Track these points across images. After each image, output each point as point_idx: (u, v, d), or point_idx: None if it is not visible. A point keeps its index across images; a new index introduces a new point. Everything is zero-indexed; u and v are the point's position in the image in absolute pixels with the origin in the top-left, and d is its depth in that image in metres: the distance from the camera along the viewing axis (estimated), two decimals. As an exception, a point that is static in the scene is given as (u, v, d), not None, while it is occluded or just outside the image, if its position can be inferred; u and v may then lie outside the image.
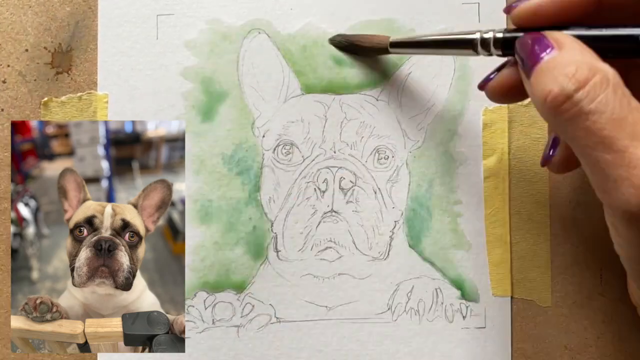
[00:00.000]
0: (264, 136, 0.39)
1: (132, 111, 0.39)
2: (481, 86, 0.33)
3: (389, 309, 0.38)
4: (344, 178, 0.38)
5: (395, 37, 0.36)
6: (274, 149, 0.39)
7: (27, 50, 0.39)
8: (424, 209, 0.39)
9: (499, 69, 0.33)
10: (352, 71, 0.39)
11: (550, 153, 0.33)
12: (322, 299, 0.38)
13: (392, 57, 0.39)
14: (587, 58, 0.27)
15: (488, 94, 0.33)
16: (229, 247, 0.38)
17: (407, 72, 0.39)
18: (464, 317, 0.38)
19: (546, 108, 0.27)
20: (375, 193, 0.38)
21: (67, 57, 0.39)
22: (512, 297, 0.38)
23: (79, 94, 0.39)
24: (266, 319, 0.38)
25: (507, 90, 0.32)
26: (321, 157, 0.38)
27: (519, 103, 0.39)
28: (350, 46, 0.38)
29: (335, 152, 0.38)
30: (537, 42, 0.28)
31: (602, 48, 0.28)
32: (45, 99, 0.39)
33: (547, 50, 0.27)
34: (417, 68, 0.39)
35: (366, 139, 0.39)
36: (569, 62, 0.26)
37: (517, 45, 0.30)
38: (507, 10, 0.31)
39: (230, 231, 0.38)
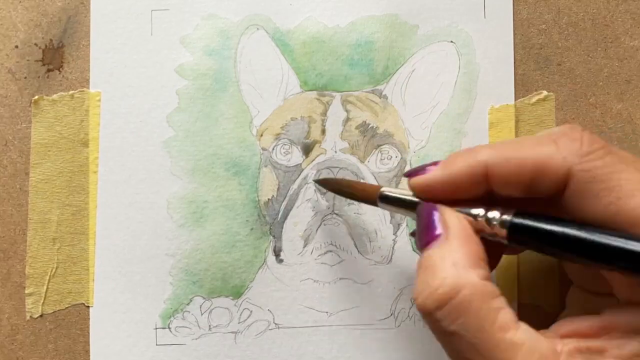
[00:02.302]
0: (262, 135, 0.38)
1: (126, 109, 0.38)
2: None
3: (391, 314, 0.38)
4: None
5: (386, 189, 0.32)
6: (273, 149, 0.38)
7: (16, 46, 0.39)
8: None
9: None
10: (354, 68, 0.38)
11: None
12: (323, 304, 0.38)
13: (396, 53, 0.38)
14: (459, 264, 0.26)
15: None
16: (226, 250, 0.38)
17: (411, 69, 0.38)
18: None
19: (417, 309, 0.27)
20: (378, 194, 0.37)
21: (58, 53, 0.38)
22: (518, 302, 0.38)
23: (70, 92, 0.38)
24: (264, 324, 0.38)
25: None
26: (321, 157, 0.38)
27: (527, 101, 0.38)
28: (337, 191, 0.36)
29: (336, 152, 0.38)
30: (428, 220, 0.28)
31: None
32: (36, 97, 0.38)
33: (435, 235, 0.28)
34: (422, 65, 0.38)
35: (368, 139, 0.38)
36: (441, 270, 0.26)
37: (417, 215, 0.30)
38: (407, 175, 0.31)
39: (226, 234, 0.38)
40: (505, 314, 0.26)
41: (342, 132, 0.38)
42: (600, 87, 0.38)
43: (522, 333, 0.26)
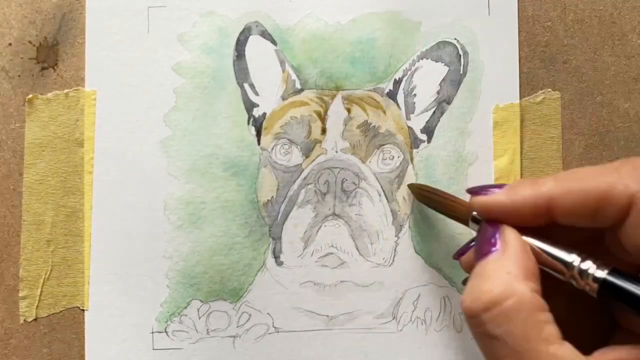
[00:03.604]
0: (261, 135, 0.38)
1: (122, 108, 0.38)
2: (455, 257, 0.34)
3: (394, 318, 0.38)
4: (346, 179, 0.37)
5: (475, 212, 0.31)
6: (272, 149, 0.38)
7: (10, 44, 0.38)
8: (431, 212, 0.37)
9: (472, 242, 0.33)
10: (355, 66, 0.38)
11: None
12: (323, 307, 0.38)
13: (398, 51, 0.38)
14: (512, 274, 0.27)
15: (461, 266, 0.33)
16: (224, 252, 0.37)
17: (415, 67, 0.38)
18: None
19: (463, 312, 0.28)
20: (380, 195, 0.38)
21: (53, 51, 0.38)
22: None
23: (65, 91, 0.38)
24: (264, 329, 0.37)
25: None
26: (322, 157, 0.38)
27: (532, 100, 0.38)
28: (430, 203, 0.36)
29: (337, 152, 0.38)
30: (489, 235, 0.29)
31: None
32: (30, 95, 0.38)
33: (492, 250, 0.29)
34: (426, 63, 0.38)
35: (370, 138, 0.38)
36: (492, 275, 0.27)
37: (478, 229, 0.31)
38: (469, 192, 0.31)
39: (225, 236, 0.37)
40: (552, 329, 0.26)
41: (343, 131, 0.38)
42: (607, 86, 0.38)
43: (566, 350, 0.26)
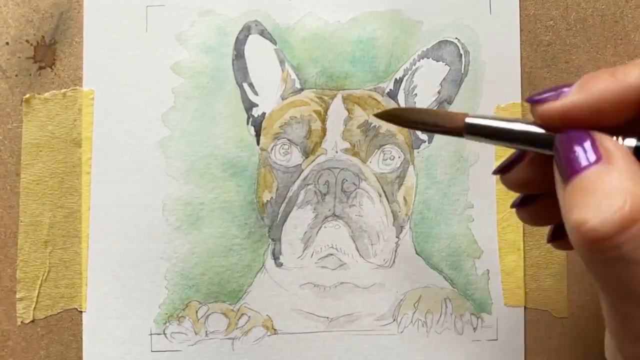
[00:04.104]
0: (260, 135, 0.38)
1: (120, 108, 0.38)
2: (497, 172, 0.30)
3: (394, 320, 0.37)
4: (347, 180, 0.37)
5: (473, 116, 0.26)
6: (272, 149, 0.38)
7: (7, 43, 0.38)
8: (432, 213, 0.38)
9: (518, 159, 0.28)
10: (355, 65, 0.38)
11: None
12: (323, 309, 0.37)
13: (399, 50, 0.38)
14: (638, 186, 0.22)
15: (506, 185, 0.29)
16: (223, 254, 0.37)
17: (415, 67, 0.38)
18: (474, 329, 0.38)
19: (578, 239, 0.23)
20: (380, 196, 0.37)
21: (50, 50, 0.38)
22: (525, 308, 0.38)
23: (63, 91, 0.38)
24: (263, 331, 0.37)
25: (531, 186, 0.28)
26: (322, 158, 0.37)
27: None
28: (409, 123, 0.30)
29: (337, 152, 0.37)
30: (582, 146, 0.24)
31: None
32: (27, 95, 0.38)
33: (592, 161, 0.23)
34: (426, 62, 0.38)
35: (370, 138, 0.38)
36: (617, 188, 0.22)
37: (557, 143, 0.25)
38: (529, 102, 0.26)
39: (223, 237, 0.37)
40: None
41: (343, 131, 0.37)
42: None
43: None
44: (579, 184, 0.23)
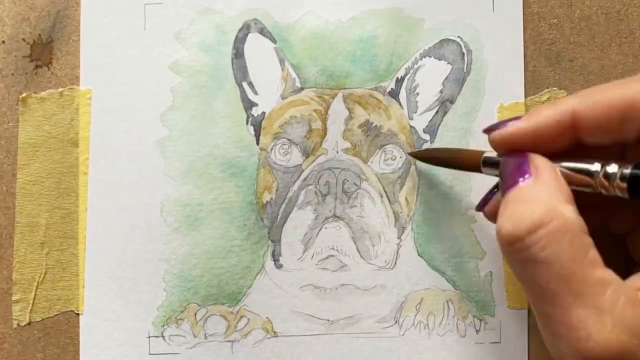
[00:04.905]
0: (260, 135, 0.38)
1: (118, 108, 0.38)
2: (478, 208, 0.34)
3: (396, 322, 0.37)
4: (348, 180, 0.37)
5: (489, 154, 0.32)
6: (271, 149, 0.37)
7: (3, 42, 0.38)
8: (434, 214, 0.37)
9: (494, 190, 0.33)
10: (356, 64, 0.38)
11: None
12: (324, 311, 0.37)
13: (401, 49, 0.38)
14: (553, 197, 0.26)
15: (486, 217, 0.33)
16: (222, 255, 0.37)
17: (417, 66, 0.38)
18: (477, 332, 0.37)
19: (498, 241, 0.27)
20: (382, 197, 0.37)
21: (47, 49, 0.38)
22: (529, 310, 0.37)
23: (60, 90, 0.38)
24: (262, 333, 0.37)
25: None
26: (322, 158, 0.37)
27: (537, 99, 0.38)
28: (435, 161, 0.36)
29: (337, 152, 0.37)
30: (518, 164, 0.29)
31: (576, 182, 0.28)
32: (24, 94, 0.38)
33: (525, 177, 0.28)
34: (428, 61, 0.38)
35: (371, 138, 0.37)
36: (535, 199, 0.27)
37: (501, 164, 0.30)
38: (485, 132, 0.31)
39: (223, 238, 0.37)
40: (595, 253, 0.26)
41: (344, 131, 0.37)
42: None
43: (610, 275, 0.26)
44: (510, 196, 0.28)
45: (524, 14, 0.38)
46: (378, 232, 0.37)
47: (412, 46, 0.38)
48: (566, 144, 0.29)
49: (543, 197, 0.26)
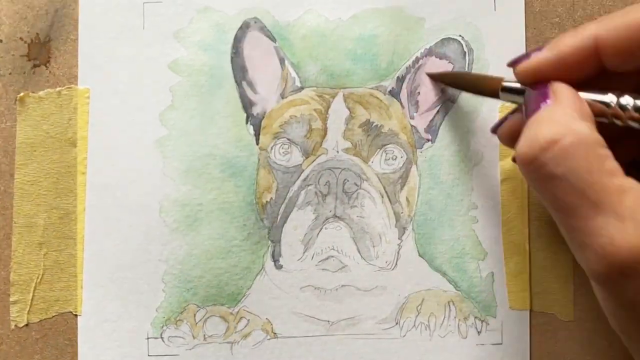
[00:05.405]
0: (259, 134, 0.38)
1: (116, 107, 0.37)
2: (493, 130, 0.35)
3: (396, 323, 0.37)
4: (348, 180, 0.37)
5: (507, 82, 0.32)
6: (271, 148, 0.37)
7: (0, 41, 0.38)
8: (435, 214, 0.37)
9: (510, 114, 0.34)
10: (357, 63, 0.38)
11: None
12: (324, 312, 0.37)
13: (402, 48, 0.38)
14: (568, 116, 0.27)
15: (500, 139, 0.34)
16: (221, 256, 0.37)
17: (418, 65, 0.38)
18: (478, 333, 0.37)
19: (518, 163, 0.28)
20: (382, 197, 0.37)
21: (45, 48, 0.38)
22: (531, 311, 0.37)
23: (58, 89, 0.38)
24: (262, 334, 0.37)
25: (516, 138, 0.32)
26: (323, 158, 0.37)
27: None
28: (454, 84, 0.37)
29: (338, 152, 0.37)
30: (540, 92, 0.29)
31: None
32: (21, 94, 0.37)
33: (546, 101, 0.28)
34: (429, 60, 0.38)
35: (372, 138, 0.37)
36: (551, 120, 0.27)
37: (526, 95, 0.31)
38: (510, 65, 0.31)
39: (222, 239, 0.37)
40: (613, 163, 0.26)
41: (344, 131, 0.37)
42: None
43: (630, 182, 0.26)
44: (531, 120, 0.28)
45: (525, 13, 0.38)
46: (379, 233, 0.37)
47: (413, 45, 0.38)
48: (591, 71, 0.29)
49: (559, 117, 0.27)
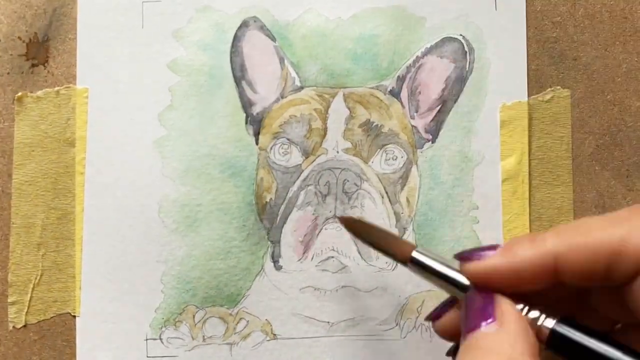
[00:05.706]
0: (259, 134, 0.37)
1: (115, 107, 0.37)
2: (427, 319, 0.31)
3: (397, 324, 0.37)
4: (348, 181, 0.37)
5: (419, 253, 0.28)
6: (271, 149, 0.37)
7: None
8: (436, 214, 0.37)
9: (449, 303, 0.30)
10: (357, 63, 0.37)
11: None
12: (324, 313, 0.37)
13: (402, 47, 0.38)
14: (516, 350, 0.24)
15: (437, 334, 0.31)
16: (221, 257, 0.37)
17: (419, 64, 0.38)
18: None
19: None
20: (382, 197, 0.37)
21: (43, 48, 0.38)
22: None
23: (56, 89, 0.38)
24: (262, 335, 0.37)
25: (455, 334, 0.29)
26: (323, 158, 0.37)
27: (540, 98, 0.38)
28: (360, 236, 0.33)
29: (338, 152, 0.37)
30: (483, 307, 0.26)
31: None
32: (20, 93, 0.37)
33: (488, 321, 0.26)
34: (430, 59, 0.38)
35: (372, 138, 0.37)
36: (492, 349, 0.25)
37: (465, 300, 0.27)
38: (457, 258, 0.28)
39: (221, 239, 0.37)
40: None
41: (344, 130, 0.37)
42: (619, 83, 0.37)
43: None
44: (471, 341, 0.25)
45: (527, 12, 0.37)
46: (379, 233, 0.37)
47: (413, 44, 0.37)
48: (545, 286, 0.27)
49: (505, 349, 0.24)
